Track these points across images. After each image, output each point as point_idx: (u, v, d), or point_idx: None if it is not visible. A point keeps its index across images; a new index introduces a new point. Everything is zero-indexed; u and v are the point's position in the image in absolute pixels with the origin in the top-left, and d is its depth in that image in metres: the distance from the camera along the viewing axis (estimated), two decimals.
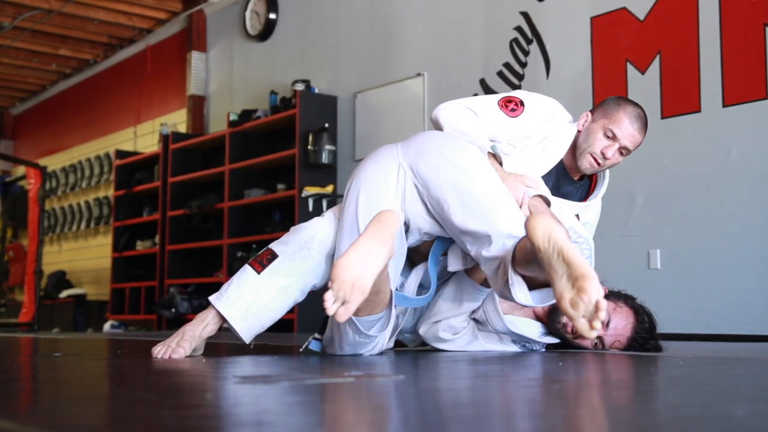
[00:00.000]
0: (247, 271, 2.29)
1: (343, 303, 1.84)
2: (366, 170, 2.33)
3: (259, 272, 2.25)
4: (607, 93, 4.61)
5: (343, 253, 1.91)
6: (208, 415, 1.15)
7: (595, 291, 1.66)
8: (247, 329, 2.27)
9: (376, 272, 1.92)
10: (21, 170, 10.17)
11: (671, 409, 1.22)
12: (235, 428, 1.05)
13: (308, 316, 5.61)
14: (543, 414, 1.18)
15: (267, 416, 1.15)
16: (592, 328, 1.67)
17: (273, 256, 2.27)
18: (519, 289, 1.96)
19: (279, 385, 1.44)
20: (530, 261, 1.90)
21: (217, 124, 7.67)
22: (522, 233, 1.96)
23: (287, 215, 6.40)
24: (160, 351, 2.24)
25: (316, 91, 6.35)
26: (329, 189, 6.02)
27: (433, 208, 2.24)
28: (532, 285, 1.98)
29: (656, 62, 4.40)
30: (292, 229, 2.43)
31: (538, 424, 1.08)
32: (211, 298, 2.30)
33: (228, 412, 1.21)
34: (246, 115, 6.76)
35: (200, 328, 2.28)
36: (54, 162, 10.22)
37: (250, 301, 2.25)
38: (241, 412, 1.21)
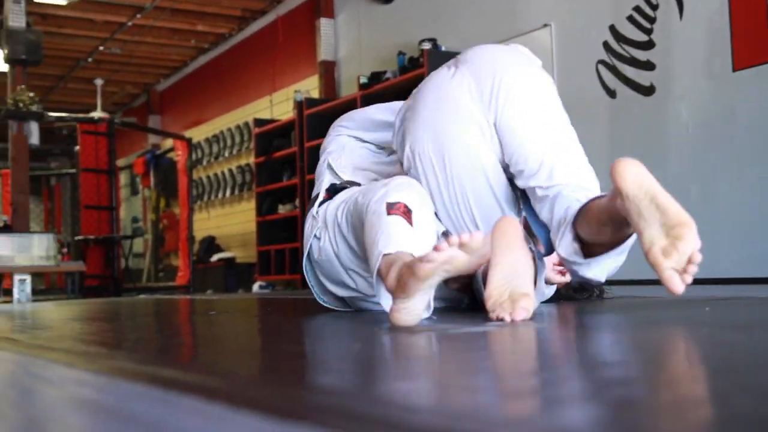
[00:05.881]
0: (399, 224, 1.86)
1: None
2: (443, 126, 2.08)
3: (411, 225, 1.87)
4: (746, 32, 4.38)
5: (489, 286, 1.72)
6: (358, 364, 1.23)
7: (692, 240, 1.51)
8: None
9: (528, 278, 1.76)
10: (169, 143, 10.74)
11: None
12: (388, 379, 1.09)
13: None
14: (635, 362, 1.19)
15: (419, 364, 1.21)
16: (682, 282, 1.52)
17: (408, 210, 1.89)
18: (565, 243, 1.84)
19: (425, 335, 1.52)
20: (600, 219, 1.75)
21: (348, 88, 7.82)
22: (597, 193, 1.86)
23: None
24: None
25: (443, 48, 6.34)
26: None
27: (504, 161, 2.05)
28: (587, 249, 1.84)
29: None
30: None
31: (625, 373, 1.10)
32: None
33: (377, 362, 1.27)
34: (376, 77, 6.86)
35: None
36: (198, 133, 10.72)
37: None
38: (391, 361, 1.28)
